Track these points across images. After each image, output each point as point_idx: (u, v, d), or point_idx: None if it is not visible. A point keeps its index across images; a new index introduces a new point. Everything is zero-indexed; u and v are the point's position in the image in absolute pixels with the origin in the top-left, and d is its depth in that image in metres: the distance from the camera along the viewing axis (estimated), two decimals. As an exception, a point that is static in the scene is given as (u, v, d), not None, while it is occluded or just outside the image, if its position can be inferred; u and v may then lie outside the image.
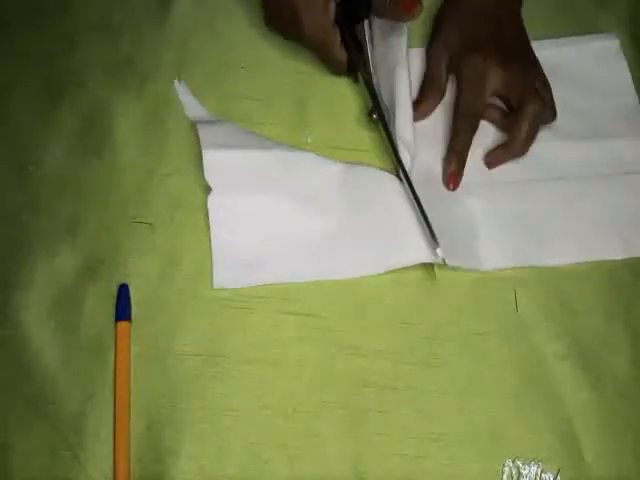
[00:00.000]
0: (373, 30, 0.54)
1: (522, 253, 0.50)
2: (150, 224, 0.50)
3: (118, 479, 0.43)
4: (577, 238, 0.51)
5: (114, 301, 0.47)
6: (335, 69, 0.54)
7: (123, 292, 0.47)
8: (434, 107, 0.55)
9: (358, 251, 0.49)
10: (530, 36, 0.57)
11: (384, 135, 0.51)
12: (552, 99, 0.54)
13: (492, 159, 0.53)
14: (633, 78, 0.58)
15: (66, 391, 0.45)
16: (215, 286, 0.48)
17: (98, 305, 0.47)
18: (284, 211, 0.50)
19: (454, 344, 0.47)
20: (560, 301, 0.49)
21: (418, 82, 0.56)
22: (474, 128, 0.53)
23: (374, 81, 0.53)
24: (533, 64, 0.54)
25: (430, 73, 0.56)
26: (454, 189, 0.52)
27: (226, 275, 0.48)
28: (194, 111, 0.54)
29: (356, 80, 0.54)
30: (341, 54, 0.52)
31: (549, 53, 0.58)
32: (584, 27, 0.60)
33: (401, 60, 0.53)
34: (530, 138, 0.52)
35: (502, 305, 0.49)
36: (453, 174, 0.52)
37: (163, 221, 0.50)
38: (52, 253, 0.49)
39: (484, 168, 0.53)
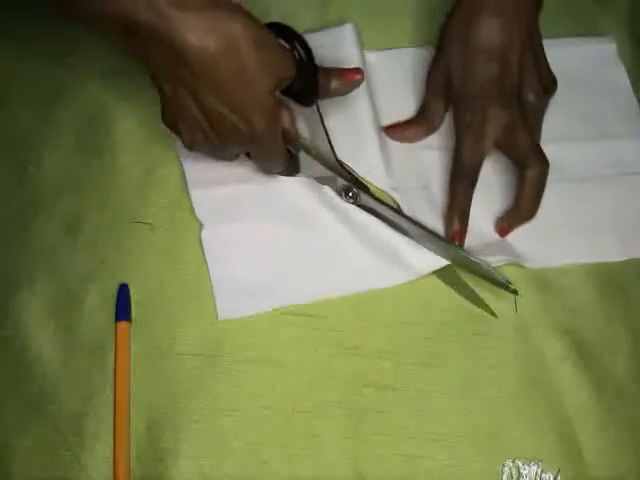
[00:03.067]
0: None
1: (522, 253, 0.50)
2: (150, 224, 0.50)
3: (118, 479, 0.43)
4: (577, 238, 0.51)
5: (114, 301, 0.47)
6: (275, 171, 0.50)
7: (123, 292, 0.47)
8: (420, 138, 0.54)
9: (359, 267, 0.49)
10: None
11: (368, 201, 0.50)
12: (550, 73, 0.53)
13: (503, 227, 0.51)
14: (632, 79, 0.58)
15: (66, 391, 0.45)
16: (220, 318, 0.47)
17: (98, 305, 0.47)
18: (279, 234, 0.50)
19: (454, 344, 0.47)
20: (560, 301, 0.49)
21: (412, 83, 0.56)
22: (474, 182, 0.50)
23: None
24: (540, 93, 0.52)
25: (426, 106, 0.54)
26: (460, 243, 0.50)
27: (230, 305, 0.47)
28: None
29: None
30: (285, 159, 0.49)
31: (549, 53, 0.58)
32: (584, 27, 0.60)
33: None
34: (537, 201, 0.50)
35: (502, 305, 0.49)
36: (457, 233, 0.50)
37: (163, 221, 0.50)
38: (52, 253, 0.49)
39: (484, 169, 0.53)
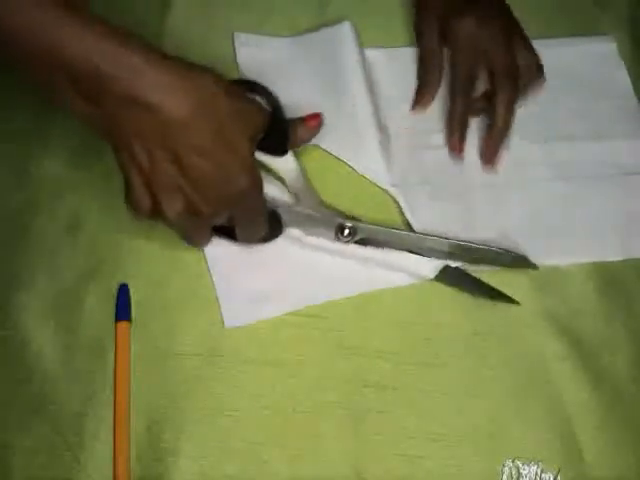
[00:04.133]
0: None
1: (522, 253, 0.50)
2: (150, 224, 0.50)
3: (118, 479, 0.43)
4: (577, 238, 0.51)
5: (114, 301, 0.47)
6: (259, 237, 0.48)
7: (123, 292, 0.47)
8: (437, 89, 0.56)
9: (364, 269, 0.49)
10: (530, 36, 0.57)
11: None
12: (534, 56, 0.55)
13: (487, 155, 0.53)
14: (633, 78, 0.58)
15: (66, 391, 0.45)
16: (227, 325, 0.47)
17: (98, 305, 0.47)
18: (282, 245, 0.49)
19: (454, 344, 0.48)
20: (560, 301, 0.49)
21: (412, 81, 0.57)
22: (471, 91, 0.54)
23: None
24: (514, 25, 0.56)
25: (425, 51, 0.56)
26: (460, 155, 0.53)
27: (236, 313, 0.47)
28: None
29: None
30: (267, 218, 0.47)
31: (548, 53, 0.58)
32: (584, 27, 0.60)
33: None
34: (509, 120, 0.53)
35: (502, 305, 0.49)
36: (457, 140, 0.53)
37: (163, 221, 0.50)
38: (52, 253, 0.49)
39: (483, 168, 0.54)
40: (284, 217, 0.47)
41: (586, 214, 0.52)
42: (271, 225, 0.47)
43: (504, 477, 0.44)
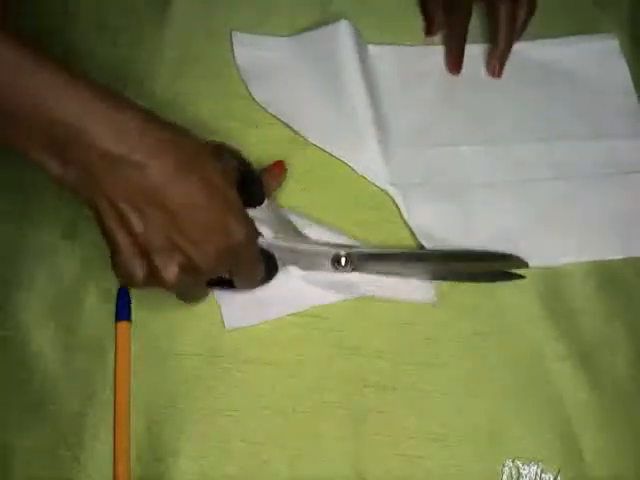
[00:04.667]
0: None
1: (522, 253, 0.50)
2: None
3: (118, 479, 0.43)
4: (577, 238, 0.51)
5: (114, 301, 0.47)
6: (257, 282, 0.47)
7: (123, 292, 0.47)
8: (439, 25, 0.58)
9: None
10: (530, 36, 0.57)
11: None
12: None
13: (492, 66, 0.57)
14: (633, 78, 0.58)
15: (66, 391, 0.45)
16: (227, 327, 0.47)
17: (98, 305, 0.47)
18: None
19: (454, 344, 0.47)
20: (560, 301, 0.49)
21: (412, 78, 0.57)
22: (469, 15, 0.57)
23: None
24: None
25: None
26: (457, 74, 0.56)
27: (236, 314, 0.47)
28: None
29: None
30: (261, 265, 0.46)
31: (549, 53, 0.58)
32: (584, 27, 0.60)
33: None
34: (510, 35, 0.56)
35: (502, 305, 0.49)
36: (455, 59, 0.56)
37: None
38: (52, 253, 0.49)
39: (484, 168, 0.53)
40: (278, 256, 0.46)
41: (586, 213, 0.52)
42: (266, 266, 0.46)
43: (504, 477, 0.44)
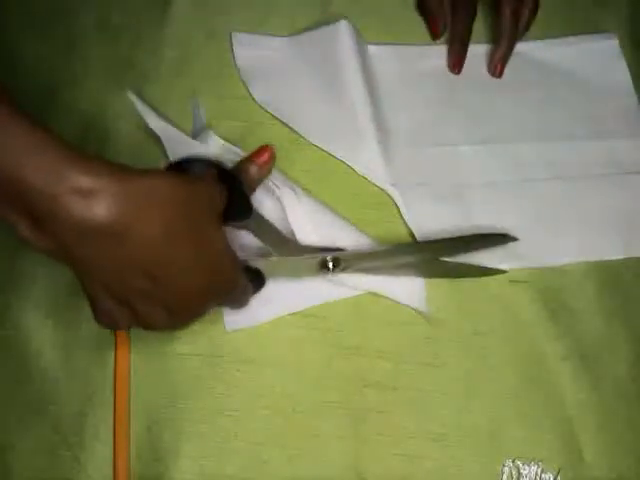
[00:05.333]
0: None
1: (522, 253, 0.50)
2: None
3: (118, 479, 0.43)
4: (577, 238, 0.51)
5: (114, 301, 0.47)
6: (247, 298, 0.46)
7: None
8: (444, 22, 0.58)
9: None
10: (530, 36, 0.57)
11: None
12: None
13: (494, 66, 0.57)
14: (633, 78, 0.58)
15: (66, 391, 0.45)
16: (227, 329, 0.47)
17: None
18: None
19: (454, 344, 0.48)
20: (560, 301, 0.49)
21: (413, 78, 0.57)
22: (473, 15, 0.57)
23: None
24: None
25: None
26: (458, 73, 0.56)
27: (237, 316, 0.47)
28: (154, 122, 0.51)
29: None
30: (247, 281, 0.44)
31: (549, 53, 0.58)
32: (584, 27, 0.60)
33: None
34: (513, 36, 0.56)
35: (502, 305, 0.49)
36: (457, 58, 0.56)
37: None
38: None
39: (484, 168, 0.53)
40: (265, 269, 0.45)
41: (586, 213, 0.52)
42: (253, 281, 0.45)
43: (504, 477, 0.44)
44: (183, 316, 0.40)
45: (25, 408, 0.44)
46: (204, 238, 0.38)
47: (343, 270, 0.47)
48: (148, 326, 0.40)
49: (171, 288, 0.37)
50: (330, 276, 0.47)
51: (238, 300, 0.45)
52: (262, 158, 0.47)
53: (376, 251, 0.48)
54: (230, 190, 0.41)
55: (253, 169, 0.46)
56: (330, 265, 0.46)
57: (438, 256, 0.49)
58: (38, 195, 0.32)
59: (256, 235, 0.46)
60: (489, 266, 0.49)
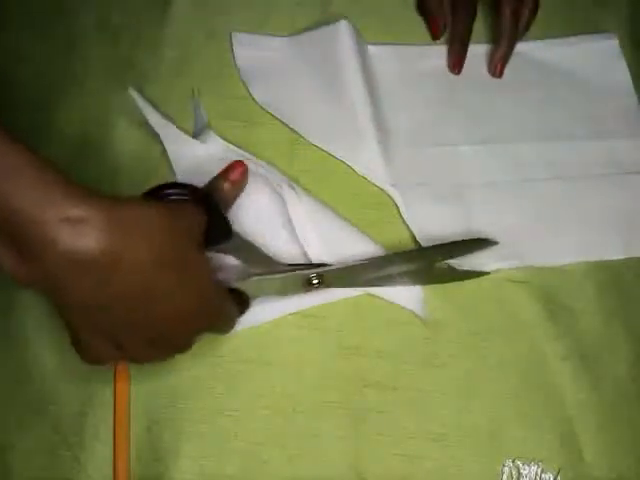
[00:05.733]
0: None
1: (522, 253, 0.50)
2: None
3: (118, 479, 0.43)
4: (577, 238, 0.51)
5: (114, 301, 0.47)
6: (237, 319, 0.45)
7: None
8: (444, 22, 0.58)
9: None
10: (530, 36, 0.57)
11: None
12: None
13: (494, 66, 0.57)
14: (633, 78, 0.58)
15: (66, 391, 0.45)
16: None
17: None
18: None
19: (454, 344, 0.47)
20: (560, 301, 0.49)
21: (412, 77, 0.57)
22: (473, 15, 0.57)
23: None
24: None
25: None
26: (458, 73, 0.56)
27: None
28: (155, 119, 0.51)
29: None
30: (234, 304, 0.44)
31: (549, 53, 0.58)
32: (584, 27, 0.60)
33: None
34: (513, 36, 0.56)
35: (502, 305, 0.49)
36: (457, 58, 0.57)
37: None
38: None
39: (484, 168, 0.53)
40: (249, 290, 0.45)
41: (586, 213, 0.52)
42: (238, 304, 0.44)
43: (504, 477, 0.44)
44: (169, 347, 0.40)
45: (25, 408, 0.44)
46: (188, 264, 0.37)
47: (328, 286, 0.47)
48: (134, 360, 0.40)
49: (156, 316, 0.37)
50: (315, 293, 0.47)
51: (224, 326, 0.44)
52: (234, 175, 0.46)
53: (361, 264, 0.47)
54: (208, 213, 0.40)
55: (227, 186, 0.45)
56: (315, 282, 0.46)
57: (425, 264, 0.48)
58: (25, 222, 0.31)
59: (236, 257, 0.45)
60: (485, 269, 0.49)
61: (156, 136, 0.51)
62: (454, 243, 0.48)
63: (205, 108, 0.54)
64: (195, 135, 0.52)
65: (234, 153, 0.51)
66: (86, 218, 0.32)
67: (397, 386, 0.46)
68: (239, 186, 0.47)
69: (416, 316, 0.48)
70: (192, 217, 0.39)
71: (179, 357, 0.46)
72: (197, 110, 0.54)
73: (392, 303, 0.48)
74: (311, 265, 0.47)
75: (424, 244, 0.50)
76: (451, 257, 0.48)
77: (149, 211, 0.35)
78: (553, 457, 0.45)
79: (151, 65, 0.55)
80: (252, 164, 0.50)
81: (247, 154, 0.51)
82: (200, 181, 0.44)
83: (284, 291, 0.47)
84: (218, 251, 0.44)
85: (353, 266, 0.47)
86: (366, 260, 0.47)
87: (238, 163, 0.46)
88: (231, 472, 0.43)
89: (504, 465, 0.45)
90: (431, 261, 0.48)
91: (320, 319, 0.48)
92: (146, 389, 0.45)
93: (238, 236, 0.45)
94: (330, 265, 0.47)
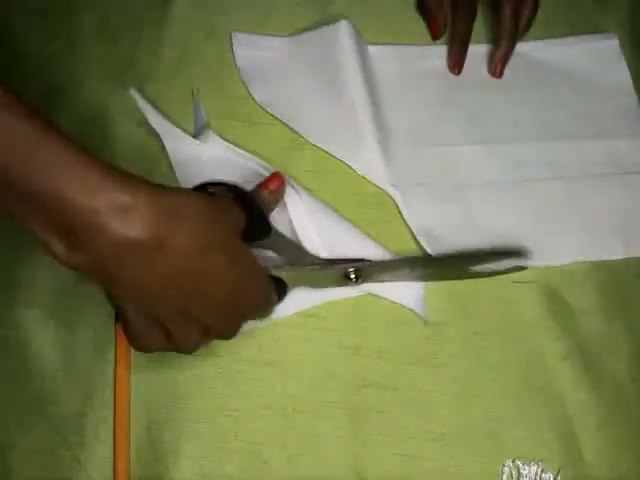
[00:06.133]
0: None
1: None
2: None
3: (118, 479, 0.43)
4: (577, 238, 0.51)
5: (114, 301, 0.47)
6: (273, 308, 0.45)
7: (123, 292, 0.47)
8: (444, 21, 0.58)
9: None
10: (530, 36, 0.57)
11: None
12: None
13: (495, 66, 0.57)
14: (633, 78, 0.58)
15: (66, 391, 0.45)
16: None
17: (98, 305, 0.47)
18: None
19: (454, 344, 0.47)
20: (560, 301, 0.49)
21: (413, 77, 0.57)
22: (473, 15, 0.57)
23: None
24: None
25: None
26: (458, 74, 0.56)
27: None
28: (155, 119, 0.51)
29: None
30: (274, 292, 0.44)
31: (549, 53, 0.58)
32: (584, 27, 0.60)
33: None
34: (513, 36, 0.56)
35: (502, 305, 0.49)
36: (457, 58, 0.57)
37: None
38: (52, 253, 0.48)
39: (484, 168, 0.53)
40: (287, 280, 0.45)
41: (586, 213, 0.52)
42: (277, 290, 0.44)
43: (504, 477, 0.44)
44: (217, 333, 0.40)
45: (25, 408, 0.44)
46: (234, 249, 0.38)
47: (364, 281, 0.47)
48: (181, 347, 0.39)
49: (208, 301, 0.37)
50: (351, 288, 0.48)
51: (265, 311, 0.45)
52: (273, 185, 0.47)
53: (399, 260, 0.48)
54: (248, 211, 0.41)
55: (266, 194, 0.46)
56: (352, 276, 0.47)
57: (457, 270, 0.49)
58: (76, 210, 0.32)
59: (275, 251, 0.47)
60: (485, 269, 0.49)
61: (156, 136, 0.51)
62: (490, 252, 0.49)
63: (205, 108, 0.54)
64: (195, 135, 0.52)
65: (234, 153, 0.51)
66: (134, 205, 0.33)
67: (397, 386, 0.46)
68: (278, 194, 0.47)
69: (416, 315, 0.48)
70: (233, 210, 0.40)
71: (179, 356, 0.46)
72: (197, 110, 0.54)
73: (392, 303, 0.48)
74: (349, 260, 0.47)
75: (424, 244, 0.49)
76: (482, 264, 0.49)
77: (194, 200, 0.36)
78: (553, 457, 0.45)
79: (151, 65, 0.55)
80: (252, 164, 0.50)
81: (247, 154, 0.51)
82: (200, 181, 0.44)
83: (320, 284, 0.47)
84: (258, 247, 0.45)
85: (391, 262, 0.48)
86: (404, 257, 0.49)
87: (277, 174, 0.47)
88: (231, 472, 0.44)
89: (504, 465, 0.45)
90: (463, 268, 0.49)
91: (320, 319, 0.48)
92: (146, 389, 0.45)
93: (277, 233, 0.46)
94: (368, 261, 0.47)
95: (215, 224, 0.37)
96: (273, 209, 0.48)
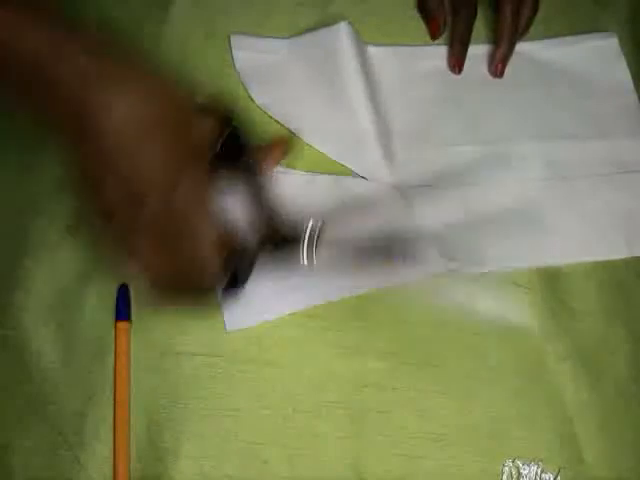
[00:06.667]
0: None
1: (522, 253, 0.50)
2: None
3: (118, 479, 0.43)
4: (578, 238, 0.51)
5: (114, 301, 0.47)
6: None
7: (123, 292, 0.47)
8: (444, 21, 0.58)
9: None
10: (530, 36, 0.57)
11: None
12: None
13: (495, 66, 0.57)
14: (633, 78, 0.58)
15: (66, 391, 0.45)
16: (227, 329, 0.47)
17: (98, 305, 0.47)
18: None
19: (454, 344, 0.47)
20: (560, 301, 0.49)
21: (413, 78, 0.57)
22: (474, 15, 0.57)
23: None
24: None
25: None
26: (459, 73, 0.56)
27: (237, 316, 0.47)
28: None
29: None
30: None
31: (549, 53, 0.58)
32: (584, 27, 0.60)
33: None
34: (514, 35, 0.56)
35: (502, 305, 0.49)
36: (457, 58, 0.56)
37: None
38: (52, 253, 0.49)
39: (484, 168, 0.53)
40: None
41: (587, 213, 0.52)
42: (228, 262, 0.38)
43: (504, 477, 0.44)
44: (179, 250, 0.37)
45: (25, 408, 0.44)
46: (185, 163, 0.36)
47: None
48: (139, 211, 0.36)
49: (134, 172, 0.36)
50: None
51: (199, 281, 0.38)
52: (280, 149, 0.45)
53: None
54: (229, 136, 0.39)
55: (271, 155, 0.43)
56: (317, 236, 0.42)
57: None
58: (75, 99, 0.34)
59: (243, 195, 0.41)
60: (490, 265, 0.49)
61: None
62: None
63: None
64: None
65: None
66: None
67: (397, 386, 0.46)
68: (281, 155, 0.45)
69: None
70: (204, 120, 0.40)
71: (179, 356, 0.46)
72: None
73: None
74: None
75: (424, 244, 0.49)
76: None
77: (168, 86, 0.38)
78: (553, 457, 0.45)
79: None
80: None
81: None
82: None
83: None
84: (225, 178, 0.40)
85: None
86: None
87: (285, 140, 0.46)
88: (231, 472, 0.44)
89: (504, 465, 0.45)
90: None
91: (320, 319, 0.48)
92: (146, 389, 0.45)
93: (249, 163, 0.40)
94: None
95: (163, 106, 0.37)
96: (266, 170, 0.43)
